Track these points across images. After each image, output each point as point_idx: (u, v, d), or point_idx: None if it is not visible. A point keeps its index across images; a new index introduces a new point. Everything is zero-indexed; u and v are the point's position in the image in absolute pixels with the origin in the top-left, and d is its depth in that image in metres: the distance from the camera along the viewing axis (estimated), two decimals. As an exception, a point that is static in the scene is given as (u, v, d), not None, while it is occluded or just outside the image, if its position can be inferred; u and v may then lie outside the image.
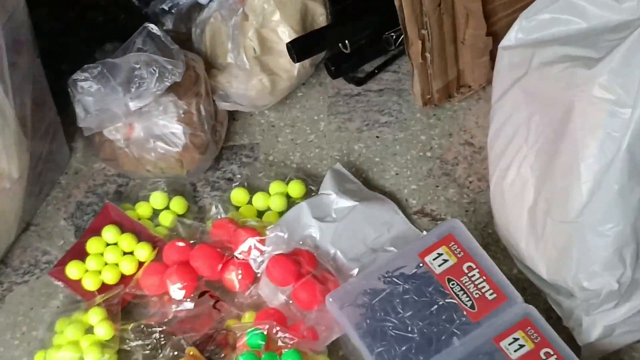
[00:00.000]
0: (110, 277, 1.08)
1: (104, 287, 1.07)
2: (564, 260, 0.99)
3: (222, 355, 1.03)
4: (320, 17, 1.18)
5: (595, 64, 0.97)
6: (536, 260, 1.03)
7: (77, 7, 1.29)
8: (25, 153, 1.10)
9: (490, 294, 1.01)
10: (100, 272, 1.08)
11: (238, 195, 1.13)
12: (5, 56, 1.05)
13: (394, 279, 1.02)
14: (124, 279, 1.08)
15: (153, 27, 1.12)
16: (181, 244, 1.07)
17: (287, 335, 1.01)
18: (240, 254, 1.06)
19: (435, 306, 1.00)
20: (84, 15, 1.28)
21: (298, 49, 1.14)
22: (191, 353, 1.01)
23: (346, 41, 1.19)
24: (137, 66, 1.11)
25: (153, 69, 1.10)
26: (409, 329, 1.00)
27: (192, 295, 1.05)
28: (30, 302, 1.10)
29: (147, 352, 1.03)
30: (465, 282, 1.02)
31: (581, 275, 0.97)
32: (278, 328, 1.01)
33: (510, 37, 1.04)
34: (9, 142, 1.07)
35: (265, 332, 1.01)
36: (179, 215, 1.12)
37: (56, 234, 1.14)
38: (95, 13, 1.29)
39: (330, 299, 1.00)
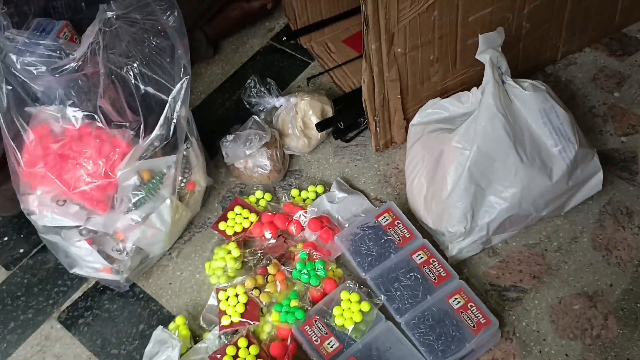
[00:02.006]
0: (238, 229, 1.10)
1: (235, 233, 1.10)
2: (440, 219, 1.03)
3: (289, 263, 1.04)
4: (330, 112, 1.20)
5: (452, 131, 1.01)
6: (428, 219, 1.07)
7: (221, 110, 1.30)
8: (205, 174, 1.13)
9: (407, 234, 1.04)
10: (233, 226, 1.11)
11: (294, 192, 1.16)
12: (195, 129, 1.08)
13: (364, 228, 1.05)
14: (244, 230, 1.10)
15: (256, 117, 1.17)
16: (269, 213, 1.11)
17: (317, 253, 1.04)
18: (295, 218, 1.09)
19: (383, 240, 1.04)
20: (225, 113, 1.30)
21: (320, 126, 1.18)
22: (275, 262, 1.04)
23: (341, 122, 1.21)
24: (249, 135, 1.13)
25: (256, 136, 1.14)
26: (371, 250, 1.03)
27: (275, 236, 1.08)
28: (203, 240, 1.13)
29: (255, 262, 1.06)
30: (396, 229, 1.05)
31: (448, 225, 1.01)
32: (313, 250, 1.04)
33: (414, 121, 1.08)
34: (200, 167, 1.10)
35: (307, 252, 1.04)
36: (268, 201, 1.15)
37: (214, 210, 1.17)
38: (229, 112, 1.30)
39: (336, 237, 1.05)
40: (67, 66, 0.89)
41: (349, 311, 0.97)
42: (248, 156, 1.14)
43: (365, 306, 0.97)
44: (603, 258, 1.03)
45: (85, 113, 0.94)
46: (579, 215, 1.09)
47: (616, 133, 1.18)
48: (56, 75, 0.89)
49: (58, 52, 0.89)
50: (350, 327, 0.95)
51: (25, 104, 0.93)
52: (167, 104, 0.95)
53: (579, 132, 1.02)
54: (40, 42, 0.88)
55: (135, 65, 0.94)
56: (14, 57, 0.88)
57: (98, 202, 0.96)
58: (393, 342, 0.93)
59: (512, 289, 1.02)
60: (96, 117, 0.93)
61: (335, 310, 0.97)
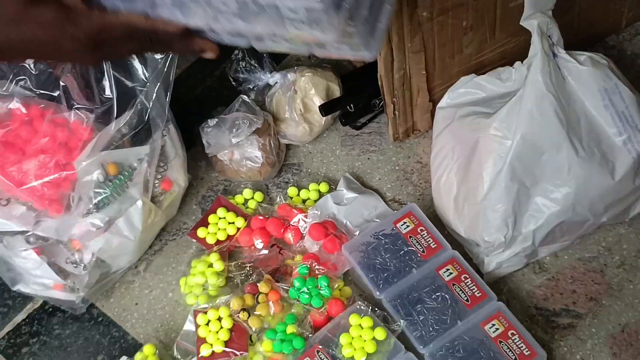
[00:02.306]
0: (222, 236, 1.12)
1: (218, 242, 1.12)
2: (474, 225, 1.04)
3: (285, 279, 1.06)
4: (336, 92, 1.22)
5: (490, 116, 1.01)
6: (459, 226, 1.07)
7: (200, 87, 1.32)
8: (185, 171, 1.15)
9: (433, 244, 1.05)
10: (216, 233, 1.12)
11: (291, 191, 1.18)
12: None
13: (379, 236, 1.06)
14: (229, 237, 1.12)
15: (245, 97, 1.18)
16: (261, 217, 1.12)
17: (320, 267, 1.05)
18: (293, 223, 1.11)
19: (402, 251, 1.04)
20: (206, 92, 1.32)
21: (325, 109, 1.19)
22: (267, 278, 1.04)
23: (351, 104, 1.22)
24: (236, 119, 1.15)
25: (245, 121, 1.15)
26: (387, 264, 1.03)
27: (267, 246, 1.10)
28: (177, 251, 1.14)
29: (242, 277, 1.07)
30: (419, 237, 1.06)
31: (484, 234, 1.02)
32: (315, 263, 1.05)
33: (443, 103, 1.09)
34: (179, 162, 1.12)
35: (308, 266, 1.05)
36: (259, 202, 1.17)
37: (191, 213, 1.18)
38: (211, 90, 1.32)
39: (344, 248, 1.06)
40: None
41: (359, 339, 0.95)
42: (234, 146, 1.14)
43: (380, 333, 0.95)
44: (675, 269, 1.02)
45: (40, 92, 0.93)
46: (650, 222, 1.07)
47: (694, 121, 1.19)
48: None
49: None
50: (361, 359, 0.94)
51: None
52: (143, 85, 0.96)
53: (649, 119, 1.01)
54: None
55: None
56: None
57: (50, 202, 0.94)
58: (415, 379, 0.92)
59: (564, 313, 1.01)
60: (56, 96, 0.92)
61: (343, 339, 0.95)
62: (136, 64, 0.98)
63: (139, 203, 1.01)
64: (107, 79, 0.96)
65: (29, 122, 0.94)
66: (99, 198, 0.97)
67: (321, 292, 1.01)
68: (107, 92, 0.96)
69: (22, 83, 0.93)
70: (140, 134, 0.98)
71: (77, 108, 0.95)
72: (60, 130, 0.94)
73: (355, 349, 0.95)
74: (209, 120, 1.16)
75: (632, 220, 1.07)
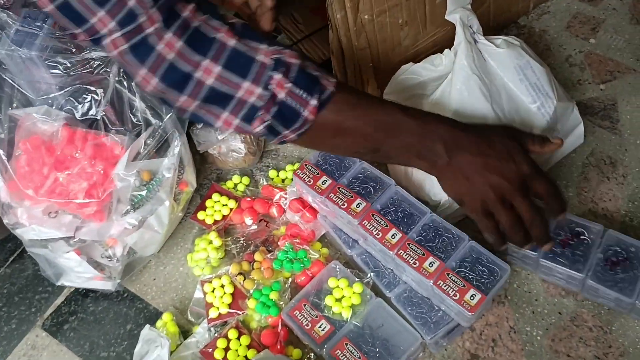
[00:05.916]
0: (218, 217, 1.09)
1: (215, 222, 1.09)
2: (422, 188, 1.01)
3: (273, 248, 1.03)
4: None
5: (427, 97, 0.99)
6: (410, 189, 1.01)
7: None
8: (195, 174, 1.11)
9: None
10: (213, 215, 1.09)
11: (272, 173, 1.14)
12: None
13: None
14: (224, 217, 1.09)
15: None
16: (249, 198, 1.10)
17: (299, 245, 1.01)
18: (276, 200, 1.08)
19: None
20: None
21: None
22: (262, 249, 1.02)
23: None
24: None
25: None
26: None
27: (256, 222, 1.08)
28: (183, 232, 1.10)
29: (238, 249, 1.05)
30: None
31: (431, 195, 1.00)
32: (295, 240, 1.02)
33: (388, 89, 1.06)
34: (190, 167, 1.07)
35: (292, 244, 1.01)
36: (246, 185, 1.14)
37: (191, 199, 1.13)
38: None
39: (319, 216, 1.03)
40: (82, 68, 0.87)
41: (347, 299, 0.93)
42: (221, 141, 1.11)
43: (357, 287, 0.94)
44: (590, 211, 1.01)
45: (83, 118, 0.92)
46: (563, 170, 1.06)
47: (594, 81, 1.15)
48: (71, 74, 0.86)
49: (59, 45, 0.85)
50: (348, 314, 0.92)
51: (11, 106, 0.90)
52: (164, 108, 0.97)
53: (556, 86, 1.00)
54: (37, 32, 0.83)
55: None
56: (30, 53, 0.83)
57: (95, 213, 0.93)
58: (385, 318, 0.91)
59: (501, 251, 0.99)
60: (97, 122, 0.91)
61: (329, 300, 0.94)
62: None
63: (167, 203, 0.99)
64: (138, 110, 0.94)
65: (74, 145, 0.91)
66: (137, 200, 0.95)
67: (302, 265, 1.00)
68: (139, 119, 0.96)
69: (66, 109, 0.90)
70: (162, 146, 0.97)
71: (113, 131, 0.94)
72: (101, 151, 0.92)
73: (343, 307, 0.93)
74: (196, 123, 1.12)
75: (550, 170, 1.06)
